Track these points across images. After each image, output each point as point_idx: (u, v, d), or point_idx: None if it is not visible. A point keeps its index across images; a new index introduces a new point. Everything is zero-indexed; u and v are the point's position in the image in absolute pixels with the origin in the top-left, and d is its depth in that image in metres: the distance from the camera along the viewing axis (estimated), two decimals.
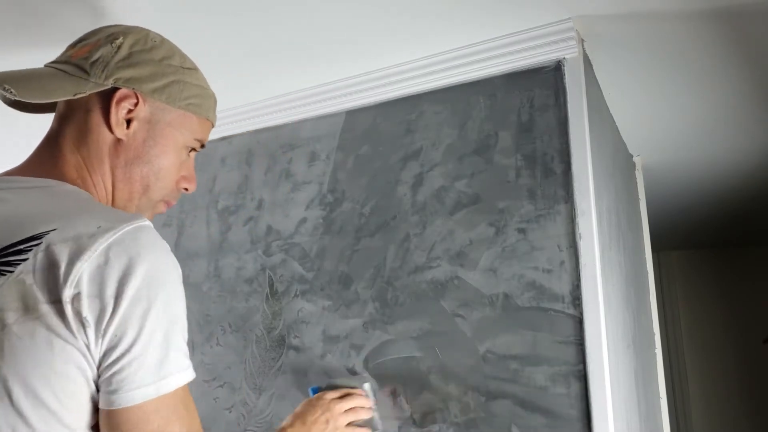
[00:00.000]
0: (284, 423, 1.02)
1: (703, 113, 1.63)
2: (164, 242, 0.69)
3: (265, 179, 1.51)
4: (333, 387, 1.12)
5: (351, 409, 1.07)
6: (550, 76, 1.23)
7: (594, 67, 1.35)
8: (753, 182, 2.25)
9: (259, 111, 1.54)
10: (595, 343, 1.06)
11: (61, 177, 0.75)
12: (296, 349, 1.35)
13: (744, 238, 3.46)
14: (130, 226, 0.65)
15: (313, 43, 1.27)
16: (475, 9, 1.15)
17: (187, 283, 1.53)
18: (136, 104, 0.77)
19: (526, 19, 1.19)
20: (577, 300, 1.10)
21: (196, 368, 1.52)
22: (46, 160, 0.76)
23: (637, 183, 1.97)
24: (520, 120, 1.24)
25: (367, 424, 1.10)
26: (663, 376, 1.92)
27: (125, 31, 0.80)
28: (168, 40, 0.84)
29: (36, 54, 1.30)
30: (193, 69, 0.84)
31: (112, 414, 0.64)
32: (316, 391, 1.13)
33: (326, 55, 1.32)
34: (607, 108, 1.56)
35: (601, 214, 1.19)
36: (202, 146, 0.85)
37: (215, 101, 0.87)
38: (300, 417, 1.02)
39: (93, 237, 0.63)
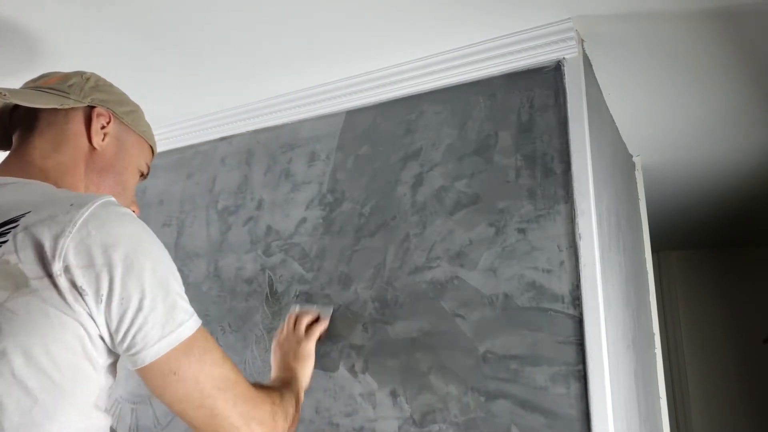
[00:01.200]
0: (273, 375, 1.12)
1: (703, 113, 1.63)
2: (129, 211, 0.74)
3: (265, 179, 1.51)
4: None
5: (296, 321, 1.22)
6: (550, 76, 1.23)
7: (594, 67, 1.35)
8: (753, 182, 2.25)
9: (259, 111, 1.54)
10: (595, 344, 1.06)
11: (29, 177, 0.81)
12: None
13: (744, 238, 3.46)
14: (100, 201, 0.71)
15: (313, 43, 1.27)
16: (475, 9, 1.15)
17: (186, 283, 1.53)
18: (108, 122, 0.89)
19: (526, 19, 1.19)
20: (577, 300, 1.10)
21: None
22: (13, 166, 0.83)
23: (637, 183, 1.97)
24: (520, 120, 1.24)
25: (320, 318, 1.26)
26: (663, 377, 1.92)
27: (85, 71, 0.93)
28: None
29: None
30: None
31: (148, 370, 0.69)
32: None
33: (326, 55, 1.32)
34: (607, 108, 1.56)
35: (600, 215, 1.19)
36: (146, 175, 0.98)
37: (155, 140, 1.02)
38: (280, 364, 1.14)
39: (69, 214, 0.68)
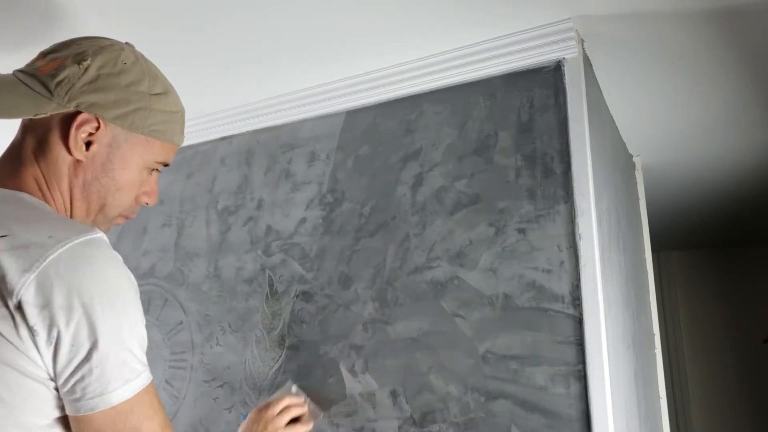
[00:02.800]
0: None
1: (703, 113, 1.63)
2: (115, 254, 0.70)
3: (264, 179, 1.51)
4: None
5: (285, 408, 1.15)
6: (550, 76, 1.23)
7: (594, 67, 1.35)
8: (753, 182, 2.25)
9: (259, 111, 1.54)
10: (595, 344, 1.06)
11: (20, 187, 0.75)
12: (296, 349, 1.35)
13: (744, 238, 3.46)
14: (82, 238, 0.66)
15: (313, 43, 1.27)
16: (474, 9, 1.15)
17: (186, 283, 1.53)
18: (97, 128, 0.77)
19: (526, 19, 1.19)
20: (577, 300, 1.10)
21: (196, 368, 1.53)
22: (7, 170, 0.77)
23: (637, 183, 1.97)
24: (520, 120, 1.24)
25: (306, 416, 1.19)
26: (663, 377, 1.92)
27: (96, 50, 0.78)
28: (141, 61, 0.83)
29: None
30: (162, 93, 0.83)
31: (80, 420, 0.66)
32: (246, 416, 1.18)
33: (326, 55, 1.32)
34: (607, 108, 1.56)
35: (600, 215, 1.19)
36: (166, 165, 0.87)
37: (182, 123, 0.87)
38: None
39: (43, 247, 0.64)
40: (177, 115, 0.86)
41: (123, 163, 0.80)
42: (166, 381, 1.49)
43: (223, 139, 1.62)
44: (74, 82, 0.75)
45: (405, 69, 1.35)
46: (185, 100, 1.54)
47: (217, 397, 1.42)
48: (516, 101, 1.25)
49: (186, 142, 1.67)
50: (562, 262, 1.13)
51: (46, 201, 0.76)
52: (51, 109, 0.74)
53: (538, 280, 1.14)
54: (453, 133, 1.30)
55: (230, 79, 1.43)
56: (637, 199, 1.96)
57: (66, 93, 0.75)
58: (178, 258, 1.57)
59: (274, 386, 1.35)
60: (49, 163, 0.76)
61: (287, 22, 1.19)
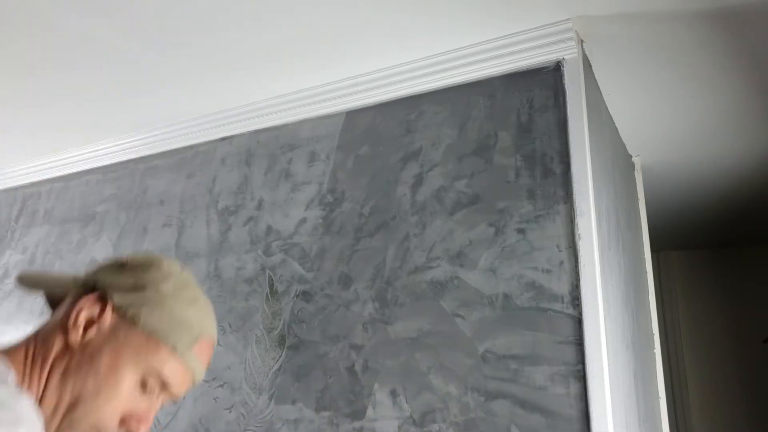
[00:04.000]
0: None
1: (703, 113, 1.63)
2: None
3: (265, 179, 1.51)
4: None
5: None
6: (550, 76, 1.23)
7: (593, 68, 1.35)
8: (753, 182, 2.25)
9: (259, 111, 1.54)
10: (595, 344, 1.06)
11: (8, 354, 0.66)
12: (296, 349, 1.35)
13: (744, 238, 3.46)
14: None
15: (313, 43, 1.27)
16: (475, 9, 1.15)
17: None
18: (101, 312, 0.67)
19: (526, 20, 1.19)
20: (576, 300, 1.10)
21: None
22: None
23: (636, 183, 1.97)
24: (519, 120, 1.24)
25: None
26: (662, 376, 1.92)
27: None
28: (182, 272, 0.74)
29: None
30: (185, 300, 0.72)
31: None
32: None
33: (326, 55, 1.32)
34: (607, 108, 1.56)
35: (600, 215, 1.19)
36: (165, 387, 0.68)
37: (196, 340, 0.71)
38: None
39: None
40: (193, 330, 0.71)
41: (113, 356, 0.66)
42: None
43: (223, 139, 1.62)
44: (103, 266, 0.72)
45: (405, 69, 1.35)
46: (186, 101, 1.54)
47: (217, 397, 1.42)
48: (516, 101, 1.25)
49: (186, 142, 1.67)
50: (561, 262, 1.13)
51: (22, 381, 0.64)
52: (75, 285, 0.69)
53: (537, 280, 1.14)
54: (453, 133, 1.30)
55: (230, 80, 1.43)
56: (637, 199, 1.96)
57: (93, 272, 0.70)
58: (179, 258, 1.58)
59: (275, 386, 1.35)
60: (46, 337, 0.67)
61: (288, 23, 1.19)
